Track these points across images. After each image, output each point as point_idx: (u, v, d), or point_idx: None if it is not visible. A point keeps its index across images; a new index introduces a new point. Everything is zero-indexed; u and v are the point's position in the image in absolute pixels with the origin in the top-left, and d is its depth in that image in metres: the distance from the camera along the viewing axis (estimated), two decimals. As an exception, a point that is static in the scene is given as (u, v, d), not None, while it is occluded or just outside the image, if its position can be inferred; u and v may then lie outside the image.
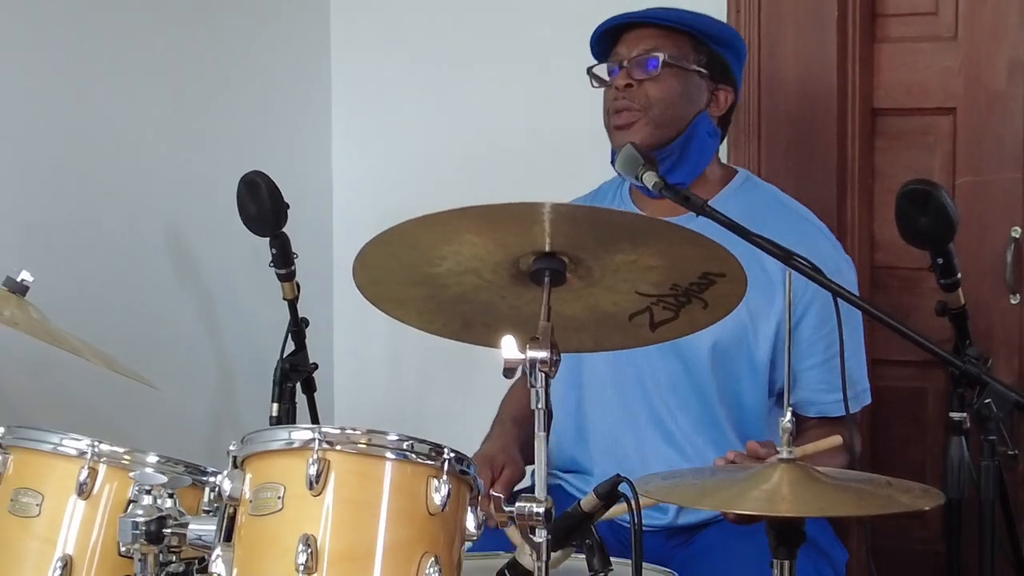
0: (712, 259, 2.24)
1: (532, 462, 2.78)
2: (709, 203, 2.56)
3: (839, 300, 2.49)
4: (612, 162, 2.94)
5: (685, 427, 3.00)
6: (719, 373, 2.98)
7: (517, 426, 3.06)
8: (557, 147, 3.79)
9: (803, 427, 2.90)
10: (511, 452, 2.97)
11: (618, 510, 2.37)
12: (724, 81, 3.08)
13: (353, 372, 4.08)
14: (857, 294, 2.82)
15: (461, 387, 3.83)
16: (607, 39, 3.08)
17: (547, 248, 2.23)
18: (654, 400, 3.02)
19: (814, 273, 2.50)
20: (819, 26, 3.52)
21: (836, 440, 2.70)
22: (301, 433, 2.22)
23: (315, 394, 3.39)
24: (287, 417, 3.26)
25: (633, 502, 2.28)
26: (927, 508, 2.26)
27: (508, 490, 2.88)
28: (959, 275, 2.63)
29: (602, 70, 3.10)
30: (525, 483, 2.96)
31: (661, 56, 3.00)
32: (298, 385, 3.32)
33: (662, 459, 2.93)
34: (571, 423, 3.08)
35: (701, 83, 3.04)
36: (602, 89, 3.10)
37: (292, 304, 3.33)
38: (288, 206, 3.25)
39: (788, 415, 2.29)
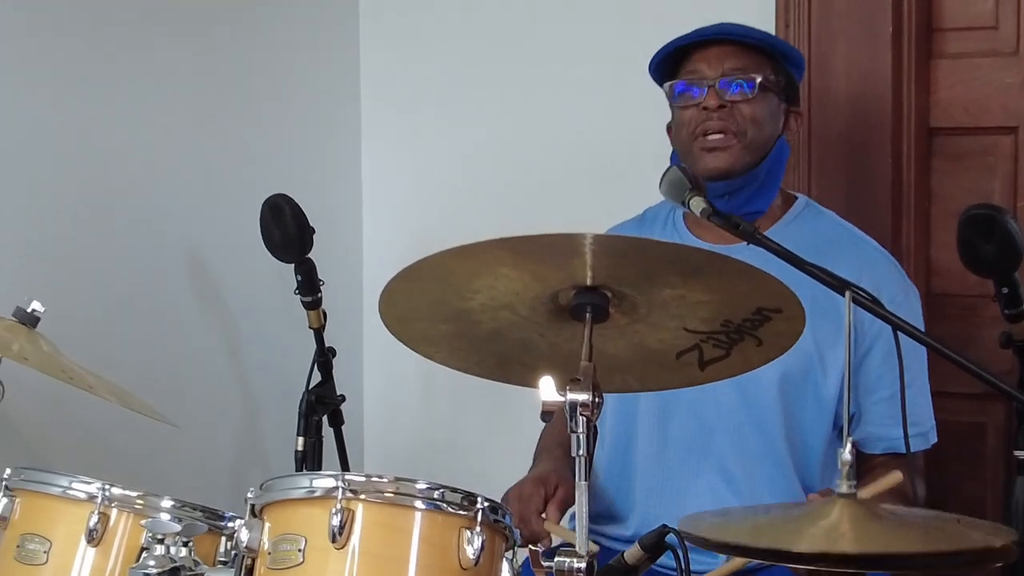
0: (767, 294, 2.14)
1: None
2: (770, 231, 2.53)
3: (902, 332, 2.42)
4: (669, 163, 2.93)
5: (741, 464, 2.91)
6: (785, 407, 2.89)
7: (565, 451, 2.95)
8: (596, 168, 3.74)
9: (867, 465, 2.82)
10: (563, 473, 2.89)
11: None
12: (796, 103, 3.04)
13: (383, 404, 4.06)
14: (922, 324, 2.82)
15: (496, 419, 3.78)
16: (674, 55, 2.99)
17: (588, 282, 2.14)
18: (710, 434, 2.93)
19: (872, 304, 2.41)
20: (873, 41, 3.44)
21: (897, 477, 2.62)
22: (324, 481, 2.19)
23: (343, 427, 3.37)
24: (313, 452, 3.23)
25: (681, 552, 2.20)
26: (998, 546, 2.09)
27: (563, 510, 2.82)
28: (1025, 304, 2.67)
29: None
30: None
31: (757, 78, 2.92)
32: (325, 419, 3.30)
33: (714, 496, 2.87)
34: (617, 457, 3.02)
35: (779, 106, 2.98)
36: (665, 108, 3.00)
37: (318, 333, 3.30)
38: (314, 230, 3.23)
39: (848, 447, 2.16)
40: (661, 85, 3.02)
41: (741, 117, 2.91)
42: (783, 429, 2.90)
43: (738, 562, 2.68)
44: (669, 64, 3.00)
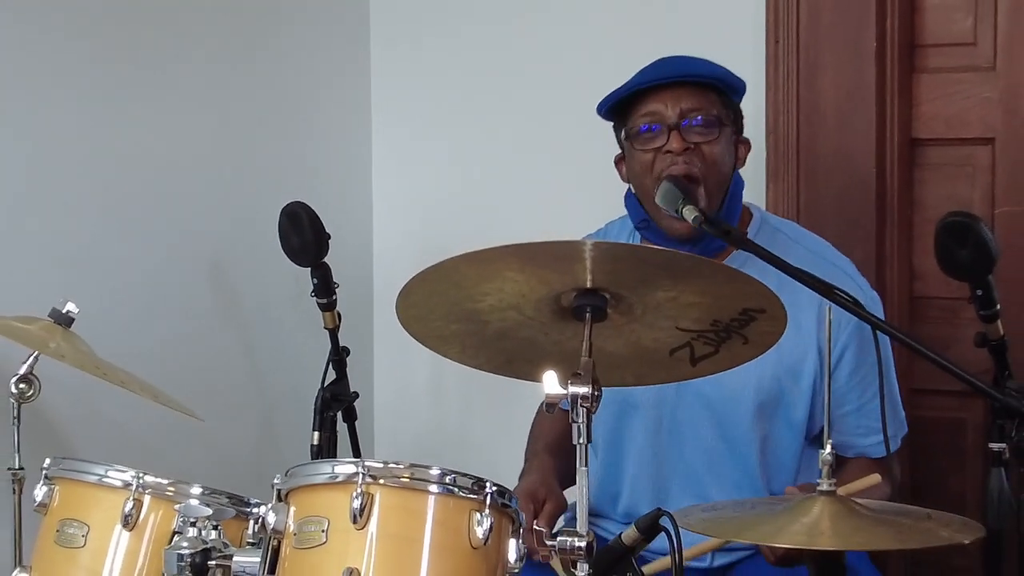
0: (752, 295, 2.24)
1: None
2: (728, 260, 2.53)
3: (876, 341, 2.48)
4: (624, 202, 2.97)
5: (719, 494, 2.94)
6: (760, 434, 2.94)
7: (552, 456, 3.02)
8: (593, 179, 3.65)
9: (841, 463, 2.83)
10: (551, 485, 2.92)
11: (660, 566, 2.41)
12: (742, 132, 3.00)
13: (393, 401, 4.08)
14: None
15: (502, 415, 3.79)
16: (628, 95, 2.93)
17: (588, 285, 2.23)
18: (691, 464, 2.98)
19: (855, 307, 2.49)
20: (858, 57, 3.49)
21: (875, 479, 2.69)
22: (345, 467, 2.24)
23: (356, 423, 3.39)
24: (328, 446, 3.25)
25: (674, 535, 2.29)
26: (967, 542, 2.25)
27: (551, 523, 2.85)
28: (998, 306, 2.60)
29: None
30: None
31: (715, 116, 2.88)
32: (339, 414, 3.32)
33: None
34: (607, 479, 3.05)
35: (732, 138, 2.94)
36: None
37: (333, 333, 3.33)
38: (329, 236, 3.26)
39: (828, 448, 2.28)
40: (614, 124, 2.99)
41: (702, 159, 2.85)
42: (759, 455, 2.93)
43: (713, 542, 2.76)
44: (619, 102, 2.94)
